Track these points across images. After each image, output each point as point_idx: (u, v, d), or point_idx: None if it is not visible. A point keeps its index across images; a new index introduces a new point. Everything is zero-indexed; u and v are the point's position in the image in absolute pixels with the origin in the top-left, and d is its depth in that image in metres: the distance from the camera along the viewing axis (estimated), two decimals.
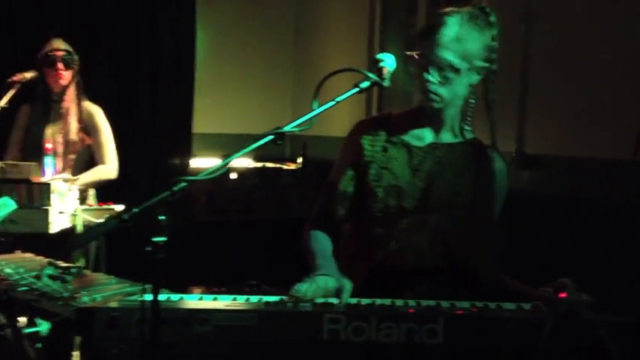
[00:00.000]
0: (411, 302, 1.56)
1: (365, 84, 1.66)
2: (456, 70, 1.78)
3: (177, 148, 4.97)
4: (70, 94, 3.39)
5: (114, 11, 4.68)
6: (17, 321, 2.08)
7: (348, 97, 1.63)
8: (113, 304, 1.48)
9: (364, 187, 1.86)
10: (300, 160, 5.53)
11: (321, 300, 1.56)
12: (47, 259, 2.33)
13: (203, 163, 5.20)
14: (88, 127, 3.43)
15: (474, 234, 1.82)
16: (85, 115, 3.43)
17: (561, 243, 3.10)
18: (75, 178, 3.16)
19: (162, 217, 1.34)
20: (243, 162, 5.43)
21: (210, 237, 4.88)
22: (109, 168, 3.42)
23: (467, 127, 1.91)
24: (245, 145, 1.49)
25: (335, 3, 5.60)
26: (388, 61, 1.74)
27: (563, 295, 1.49)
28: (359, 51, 4.98)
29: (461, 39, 1.77)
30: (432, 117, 1.87)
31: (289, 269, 1.86)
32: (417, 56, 1.81)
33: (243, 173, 5.34)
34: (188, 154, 5.04)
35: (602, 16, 3.05)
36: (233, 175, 5.26)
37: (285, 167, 5.57)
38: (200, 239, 4.80)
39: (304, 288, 1.59)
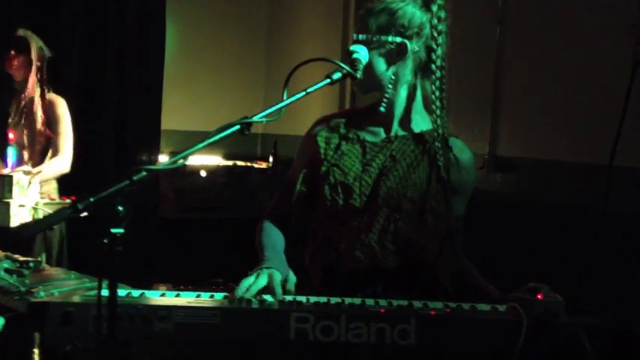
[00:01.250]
0: (382, 302, 1.51)
1: (337, 75, 1.59)
2: (393, 46, 1.71)
3: (145, 144, 4.87)
4: (32, 83, 3.30)
5: (81, 2, 4.56)
6: None
7: (319, 87, 1.56)
8: (69, 299, 1.40)
9: (316, 186, 1.81)
10: (271, 158, 5.47)
11: (289, 297, 1.50)
12: (4, 253, 2.24)
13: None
14: (49, 117, 3.36)
15: (428, 230, 1.74)
16: (48, 105, 3.34)
17: (533, 245, 3.09)
18: (36, 171, 3.06)
19: (121, 208, 1.27)
20: (213, 160, 5.36)
21: (178, 234, 4.80)
22: (62, 161, 3.35)
23: (425, 118, 1.82)
24: (211, 135, 1.42)
25: (309, 2, 5.56)
26: (361, 53, 1.69)
27: (540, 296, 1.44)
28: (332, 49, 4.94)
29: (378, 12, 1.72)
30: (387, 109, 1.78)
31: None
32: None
33: (214, 171, 5.25)
34: (157, 150, 4.93)
35: (575, 19, 3.05)
36: (203, 173, 5.17)
37: (256, 166, 5.50)
38: (168, 236, 4.71)
39: (247, 283, 1.52)
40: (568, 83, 3.08)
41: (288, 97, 1.52)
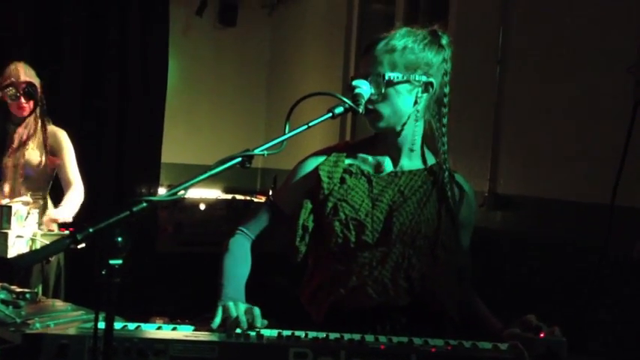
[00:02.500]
0: (382, 338, 1.49)
1: (339, 109, 1.60)
2: (391, 83, 1.73)
3: (145, 176, 4.87)
4: (33, 117, 3.33)
5: (83, 34, 4.61)
6: None
7: (321, 122, 1.57)
8: (64, 332, 1.38)
9: (322, 221, 1.78)
10: (271, 192, 5.46)
11: (287, 332, 1.48)
12: (0, 284, 2.21)
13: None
14: (53, 148, 3.37)
15: (440, 266, 1.74)
16: (51, 137, 3.37)
17: (533, 284, 3.07)
18: (63, 209, 3.11)
19: (120, 239, 1.26)
20: (212, 193, 5.35)
21: (176, 267, 4.77)
22: (78, 192, 3.40)
23: (428, 152, 1.86)
24: (212, 168, 1.42)
25: (310, 37, 5.62)
26: (363, 88, 1.70)
27: (542, 335, 1.42)
28: (334, 82, 4.99)
29: (402, 50, 1.74)
30: (390, 143, 1.81)
31: (254, 303, 1.76)
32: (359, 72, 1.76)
33: (213, 204, 5.25)
34: (156, 183, 4.93)
35: (575, 58, 3.08)
36: (202, 206, 5.17)
37: (255, 200, 5.49)
38: (166, 269, 4.68)
39: (217, 321, 1.51)
40: (568, 122, 3.09)
41: (289, 131, 1.52)
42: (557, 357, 1.37)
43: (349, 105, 1.60)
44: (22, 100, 3.25)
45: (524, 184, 3.34)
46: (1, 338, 1.89)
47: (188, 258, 4.85)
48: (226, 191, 5.47)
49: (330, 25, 5.30)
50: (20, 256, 2.52)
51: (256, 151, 1.47)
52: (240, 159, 1.44)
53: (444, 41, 1.80)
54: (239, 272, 1.79)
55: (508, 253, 3.28)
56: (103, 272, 1.23)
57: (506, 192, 3.39)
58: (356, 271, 1.73)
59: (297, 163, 1.90)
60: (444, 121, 1.81)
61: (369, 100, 1.71)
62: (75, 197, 3.38)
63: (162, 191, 5.00)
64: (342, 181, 1.79)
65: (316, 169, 1.84)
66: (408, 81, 1.75)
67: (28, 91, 3.25)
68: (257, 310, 1.57)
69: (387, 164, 1.83)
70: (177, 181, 5.01)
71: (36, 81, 3.31)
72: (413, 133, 1.80)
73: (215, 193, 5.39)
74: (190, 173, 1.40)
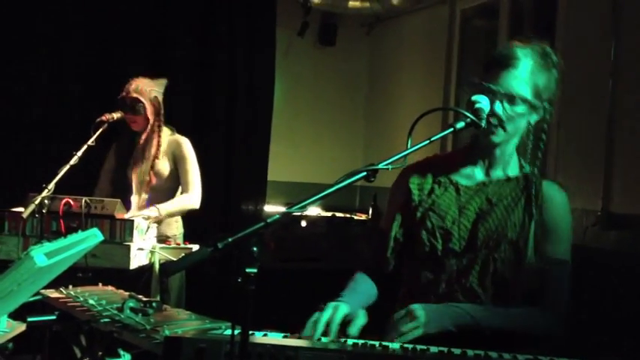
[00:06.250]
0: (506, 355, 1.47)
1: (460, 124, 1.63)
2: (531, 106, 1.73)
3: (252, 193, 5.01)
4: (148, 130, 3.45)
5: (192, 56, 4.81)
6: (98, 352, 2.08)
7: (442, 136, 1.61)
8: (201, 336, 1.45)
9: (411, 231, 1.83)
10: (370, 210, 5.50)
11: (409, 345, 1.50)
12: (128, 293, 2.34)
13: (274, 210, 5.22)
14: (175, 156, 3.47)
15: (525, 270, 1.73)
16: (172, 146, 3.47)
17: None
18: (156, 208, 3.21)
19: (255, 249, 1.32)
20: (312, 210, 5.44)
21: (277, 283, 4.86)
22: (190, 197, 3.42)
23: (520, 161, 1.85)
24: (339, 181, 1.47)
25: (409, 55, 5.63)
26: (483, 103, 1.70)
27: None
28: (434, 103, 4.96)
29: (534, 74, 1.73)
30: (486, 153, 1.82)
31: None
32: (484, 84, 1.74)
33: (313, 221, 5.33)
34: (262, 200, 5.06)
35: None
36: (303, 223, 5.26)
37: (355, 217, 5.54)
38: (266, 285, 4.77)
39: (314, 318, 1.59)
40: None
41: (411, 145, 1.55)
42: None
43: (472, 120, 1.61)
44: (129, 113, 3.40)
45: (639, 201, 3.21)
46: (130, 344, 2.01)
47: (287, 274, 4.93)
48: (326, 209, 5.55)
49: (430, 42, 5.30)
50: (169, 264, 2.67)
51: (380, 166, 1.50)
52: (365, 173, 1.48)
53: (556, 59, 1.79)
54: (362, 287, 1.85)
55: (622, 276, 3.15)
56: (239, 280, 1.30)
57: (620, 211, 3.27)
58: (444, 278, 1.77)
59: (392, 184, 1.95)
60: (545, 130, 1.80)
61: (493, 115, 1.72)
62: (181, 200, 3.40)
63: (268, 208, 5.13)
64: (431, 191, 1.84)
65: (407, 182, 1.89)
66: (538, 106, 1.75)
67: (132, 106, 3.40)
68: (360, 319, 1.62)
69: (478, 173, 1.85)
70: (279, 198, 5.10)
71: (150, 96, 3.42)
72: (512, 145, 1.82)
73: (315, 211, 5.47)
74: (292, 190, 1.45)
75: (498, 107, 1.71)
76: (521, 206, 1.78)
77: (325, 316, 1.61)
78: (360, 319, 1.63)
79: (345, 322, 1.62)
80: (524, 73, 1.72)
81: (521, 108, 1.73)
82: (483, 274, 1.74)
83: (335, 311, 1.62)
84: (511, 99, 1.71)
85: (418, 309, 1.64)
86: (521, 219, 1.76)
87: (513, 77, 1.72)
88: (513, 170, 1.84)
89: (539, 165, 1.81)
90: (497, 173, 1.83)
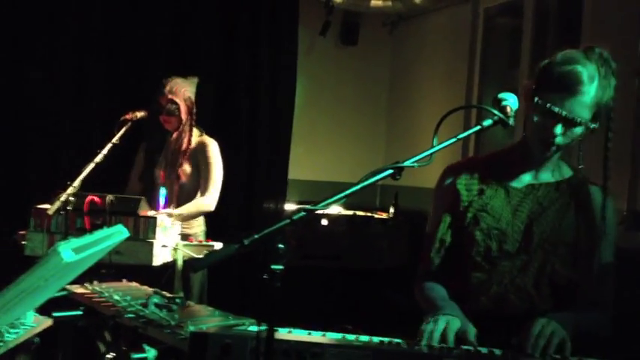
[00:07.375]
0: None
1: (487, 122, 1.61)
2: (588, 129, 1.73)
3: (273, 192, 5.02)
4: (181, 129, 3.47)
5: (216, 58, 4.82)
6: (122, 347, 2.10)
7: (470, 134, 1.59)
8: (227, 332, 1.46)
9: (462, 233, 1.83)
10: (392, 209, 5.48)
11: (436, 344, 1.49)
12: (152, 289, 2.36)
13: (295, 209, 5.22)
14: (199, 158, 3.47)
15: (581, 273, 1.76)
16: (199, 147, 3.48)
17: None
18: (169, 212, 3.22)
19: (281, 246, 1.33)
20: (333, 209, 5.43)
21: (297, 281, 4.86)
22: (204, 200, 3.43)
23: (565, 165, 1.87)
24: (364, 179, 1.47)
25: (431, 54, 5.60)
26: (510, 101, 1.69)
27: None
28: (456, 103, 4.93)
29: (597, 94, 1.71)
30: (535, 160, 1.82)
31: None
32: (541, 103, 1.72)
33: (334, 220, 5.33)
34: (283, 199, 5.07)
35: None
36: (324, 222, 5.26)
37: (376, 216, 5.53)
38: (288, 283, 4.78)
39: (429, 329, 1.56)
40: None
41: (437, 142, 1.54)
42: None
43: (500, 118, 1.60)
44: (164, 115, 3.43)
45: None
46: (154, 339, 2.02)
47: (308, 271, 4.94)
48: (347, 207, 5.54)
49: (452, 41, 5.27)
50: (195, 260, 2.69)
51: (406, 164, 1.50)
52: (391, 170, 1.47)
53: (614, 65, 1.77)
54: (442, 292, 1.83)
55: None
56: (265, 276, 1.31)
57: None
58: (496, 279, 1.77)
59: (435, 186, 1.95)
60: (609, 145, 1.80)
61: (554, 135, 1.71)
62: (196, 203, 3.41)
63: (288, 207, 5.14)
64: (481, 192, 1.84)
65: (453, 183, 1.89)
66: (591, 125, 1.73)
67: (167, 108, 3.42)
68: (472, 329, 1.63)
69: (526, 176, 1.85)
70: (300, 197, 5.09)
71: (184, 96, 3.44)
72: (564, 151, 1.82)
73: (336, 209, 5.47)
74: (313, 190, 1.45)
75: (559, 130, 1.71)
76: (572, 210, 1.80)
77: (440, 325, 1.60)
78: (472, 329, 1.64)
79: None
80: (590, 99, 1.70)
81: (580, 129, 1.73)
82: (540, 275, 1.75)
83: (449, 323, 1.62)
84: (574, 124, 1.71)
85: (551, 322, 1.61)
86: (574, 223, 1.78)
87: (578, 103, 1.70)
88: (561, 174, 1.85)
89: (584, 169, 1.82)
90: (546, 176, 1.84)
